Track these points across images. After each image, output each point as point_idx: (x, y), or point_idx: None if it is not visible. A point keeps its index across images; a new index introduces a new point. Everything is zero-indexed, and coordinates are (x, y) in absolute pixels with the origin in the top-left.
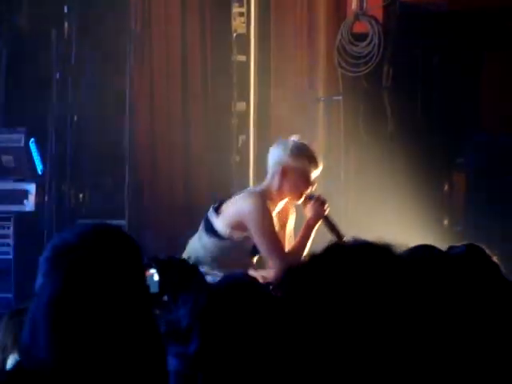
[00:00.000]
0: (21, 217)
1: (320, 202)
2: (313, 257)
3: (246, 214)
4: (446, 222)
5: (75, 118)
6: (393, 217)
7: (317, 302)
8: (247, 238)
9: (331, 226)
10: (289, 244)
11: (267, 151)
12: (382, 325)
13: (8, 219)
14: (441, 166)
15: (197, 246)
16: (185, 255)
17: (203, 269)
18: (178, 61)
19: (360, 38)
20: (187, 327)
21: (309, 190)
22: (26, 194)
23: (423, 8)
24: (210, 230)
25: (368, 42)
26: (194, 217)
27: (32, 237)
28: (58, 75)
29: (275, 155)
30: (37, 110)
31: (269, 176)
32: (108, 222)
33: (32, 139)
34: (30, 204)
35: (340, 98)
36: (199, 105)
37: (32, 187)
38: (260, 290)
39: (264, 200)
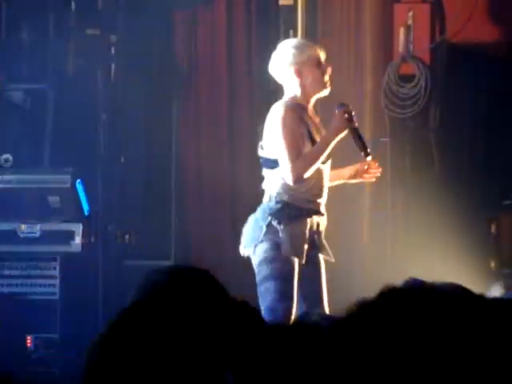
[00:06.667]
0: (67, 257)
1: (346, 114)
2: (363, 305)
3: (272, 123)
4: (492, 264)
5: (122, 159)
6: (439, 259)
7: (372, 360)
8: None
9: (358, 139)
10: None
11: None
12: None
13: (54, 260)
14: (488, 207)
15: (271, 186)
16: (265, 199)
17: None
18: (224, 100)
19: (407, 79)
20: None
21: (328, 75)
22: (72, 234)
23: (470, 50)
24: (268, 163)
25: (415, 84)
26: (242, 259)
27: (78, 277)
28: (104, 116)
29: (281, 63)
30: (83, 150)
31: (286, 86)
32: (154, 262)
33: (78, 180)
34: (76, 245)
35: (387, 139)
36: (247, 144)
37: (78, 228)
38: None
39: (288, 109)
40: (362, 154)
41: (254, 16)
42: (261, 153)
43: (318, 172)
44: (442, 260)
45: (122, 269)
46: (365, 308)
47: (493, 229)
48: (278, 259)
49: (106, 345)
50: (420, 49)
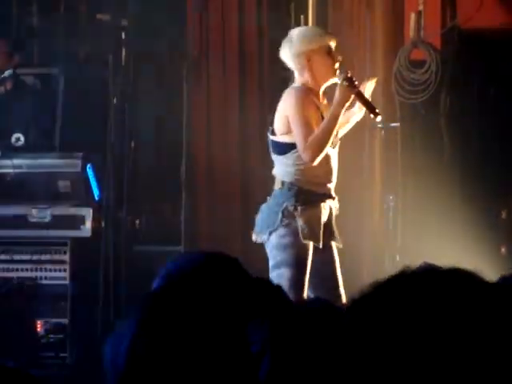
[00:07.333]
0: (77, 242)
1: (346, 82)
2: (377, 286)
3: (286, 108)
4: (503, 250)
5: (132, 144)
6: (449, 244)
7: (386, 344)
8: None
9: (363, 102)
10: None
11: None
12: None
13: (64, 244)
14: (498, 193)
15: (282, 172)
16: (277, 185)
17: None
18: (235, 86)
19: (417, 65)
20: (258, 352)
21: (338, 63)
22: (82, 219)
23: (482, 36)
24: (280, 148)
25: (425, 69)
26: (252, 245)
27: (88, 262)
28: (115, 101)
29: (292, 51)
30: (94, 135)
31: (297, 74)
32: (164, 248)
33: (89, 164)
34: (86, 229)
35: (397, 124)
36: (258, 129)
37: (89, 213)
38: (334, 316)
39: (301, 92)
40: (372, 115)
41: (266, 2)
42: (271, 137)
43: (327, 157)
44: (452, 245)
45: (132, 254)
46: (379, 290)
47: (503, 215)
48: (294, 245)
49: (142, 332)
50: (431, 34)
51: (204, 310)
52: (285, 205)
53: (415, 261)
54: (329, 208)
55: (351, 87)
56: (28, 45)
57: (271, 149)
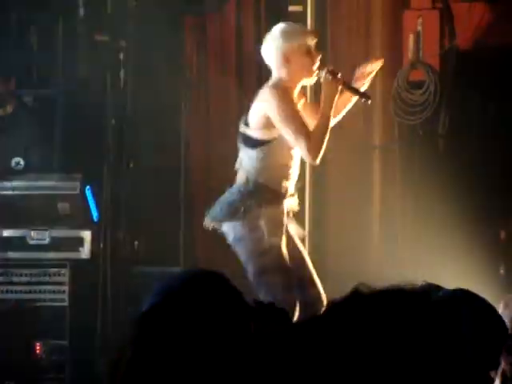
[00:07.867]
0: (76, 264)
1: (329, 75)
2: (332, 306)
3: (266, 108)
4: (502, 270)
5: (131, 166)
6: (449, 265)
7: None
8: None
9: (351, 90)
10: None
11: (323, 198)
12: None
13: (63, 266)
14: (497, 214)
15: (248, 167)
16: (241, 179)
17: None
18: (234, 110)
19: (416, 85)
20: None
21: (317, 64)
22: (81, 241)
23: (480, 56)
24: (250, 141)
25: (424, 90)
26: None
27: (87, 284)
28: (113, 122)
29: (271, 48)
30: (92, 157)
31: (274, 71)
32: (163, 269)
33: (88, 186)
34: (85, 251)
35: (396, 145)
36: None
37: (87, 234)
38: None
39: (281, 89)
40: (363, 100)
41: (264, 23)
42: (244, 130)
43: (290, 155)
44: (451, 266)
45: (130, 275)
46: (333, 309)
47: (502, 235)
48: (272, 248)
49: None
50: (429, 55)
51: (191, 325)
52: (248, 203)
53: (414, 282)
54: (289, 205)
55: (336, 79)
56: (27, 66)
57: (240, 140)
